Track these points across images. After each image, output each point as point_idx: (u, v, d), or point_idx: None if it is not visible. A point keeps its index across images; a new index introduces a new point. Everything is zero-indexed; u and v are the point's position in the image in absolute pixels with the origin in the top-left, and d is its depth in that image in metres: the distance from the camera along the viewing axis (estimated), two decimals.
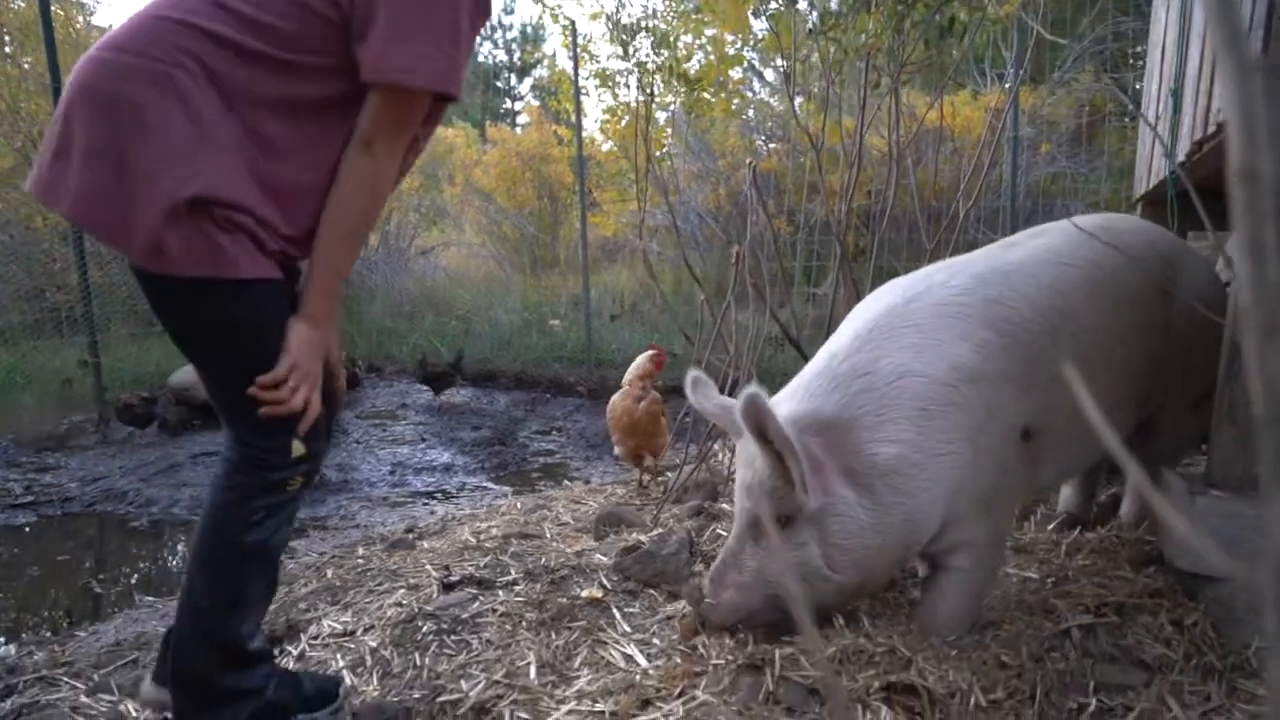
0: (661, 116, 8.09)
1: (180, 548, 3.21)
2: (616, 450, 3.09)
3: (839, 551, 1.58)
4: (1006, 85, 4.64)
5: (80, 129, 1.24)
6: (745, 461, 1.66)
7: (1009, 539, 2.07)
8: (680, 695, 1.52)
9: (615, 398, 3.05)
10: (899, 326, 1.65)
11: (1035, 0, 2.23)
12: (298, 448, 1.40)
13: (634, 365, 3.11)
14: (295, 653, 1.80)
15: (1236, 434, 1.68)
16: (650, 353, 3.14)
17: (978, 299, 1.66)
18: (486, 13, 1.43)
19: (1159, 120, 2.72)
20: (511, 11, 28.45)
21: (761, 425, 1.51)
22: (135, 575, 2.96)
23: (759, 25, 9.55)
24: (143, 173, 1.22)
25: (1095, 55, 6.51)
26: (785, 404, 1.67)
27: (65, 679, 1.85)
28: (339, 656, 1.77)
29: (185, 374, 5.05)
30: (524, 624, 1.83)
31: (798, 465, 1.52)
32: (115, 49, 1.25)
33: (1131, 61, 6.85)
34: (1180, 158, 2.39)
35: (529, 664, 1.67)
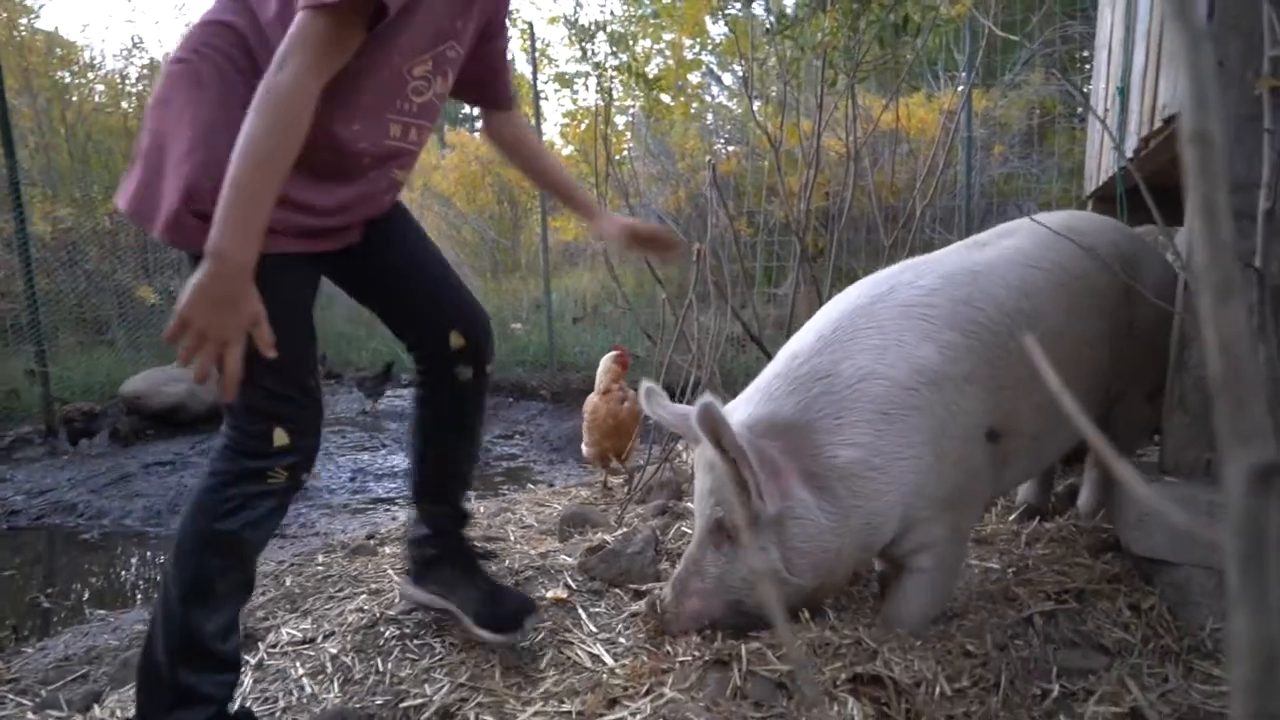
0: (621, 121, 8.09)
1: (133, 561, 3.13)
2: (587, 451, 3.07)
3: (798, 555, 1.57)
4: (959, 88, 4.72)
5: (141, 135, 1.38)
6: (704, 467, 1.64)
7: (972, 535, 2.09)
8: (648, 693, 1.51)
9: (594, 399, 3.03)
10: (862, 327, 1.65)
11: (986, 1, 2.27)
12: (280, 436, 1.36)
13: (602, 369, 3.10)
14: (253, 662, 1.76)
15: (1188, 421, 1.71)
16: (613, 354, 3.13)
17: (944, 299, 1.66)
18: None
19: (1107, 113, 2.78)
20: None
21: (716, 434, 1.50)
22: (86, 589, 2.87)
23: (716, 29, 9.61)
24: (171, 160, 1.31)
25: (1044, 58, 6.65)
26: (744, 407, 1.66)
27: (11, 695, 1.79)
28: (298, 665, 1.73)
29: (136, 382, 4.93)
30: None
31: (753, 474, 1.51)
32: (169, 60, 1.40)
33: (1079, 65, 7.00)
34: (1129, 153, 2.44)
35: (494, 666, 1.64)
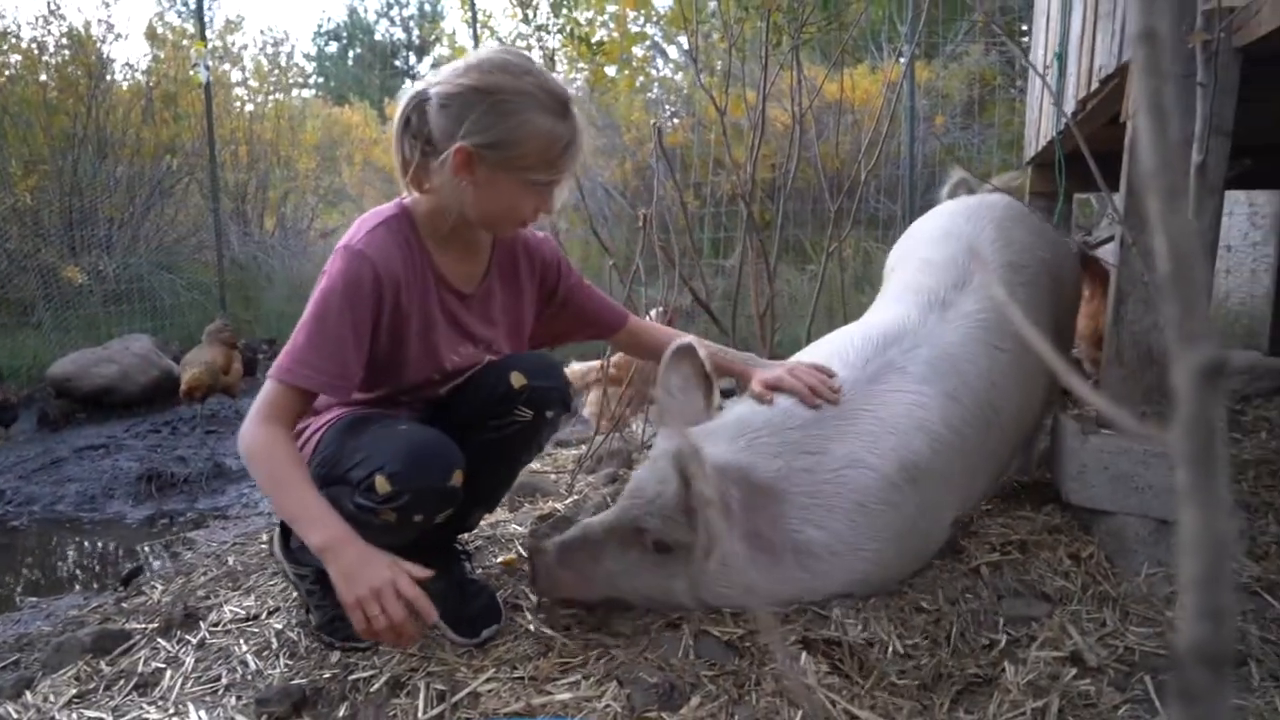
0: None
1: (67, 547, 3.02)
2: (590, 408, 3.03)
3: (708, 594, 1.57)
4: (901, 59, 4.75)
5: None
6: (659, 475, 1.57)
7: None
8: (600, 656, 1.51)
9: (618, 358, 2.98)
10: (858, 409, 1.62)
11: None
12: (382, 484, 1.46)
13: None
14: (195, 641, 1.71)
15: (1125, 374, 1.76)
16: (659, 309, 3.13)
17: (936, 392, 1.64)
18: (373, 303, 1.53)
19: (1049, 69, 2.82)
20: None
21: (689, 479, 1.45)
22: (17, 578, 2.77)
23: (661, 1, 9.52)
24: None
25: (985, 29, 6.73)
26: (725, 445, 1.60)
27: None
28: (242, 642, 1.69)
29: (65, 365, 4.75)
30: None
31: (705, 534, 1.46)
32: None
33: (1018, 37, 7.10)
34: (1068, 117, 2.48)
35: (444, 636, 1.62)
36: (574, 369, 3.33)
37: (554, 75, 1.53)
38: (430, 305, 1.61)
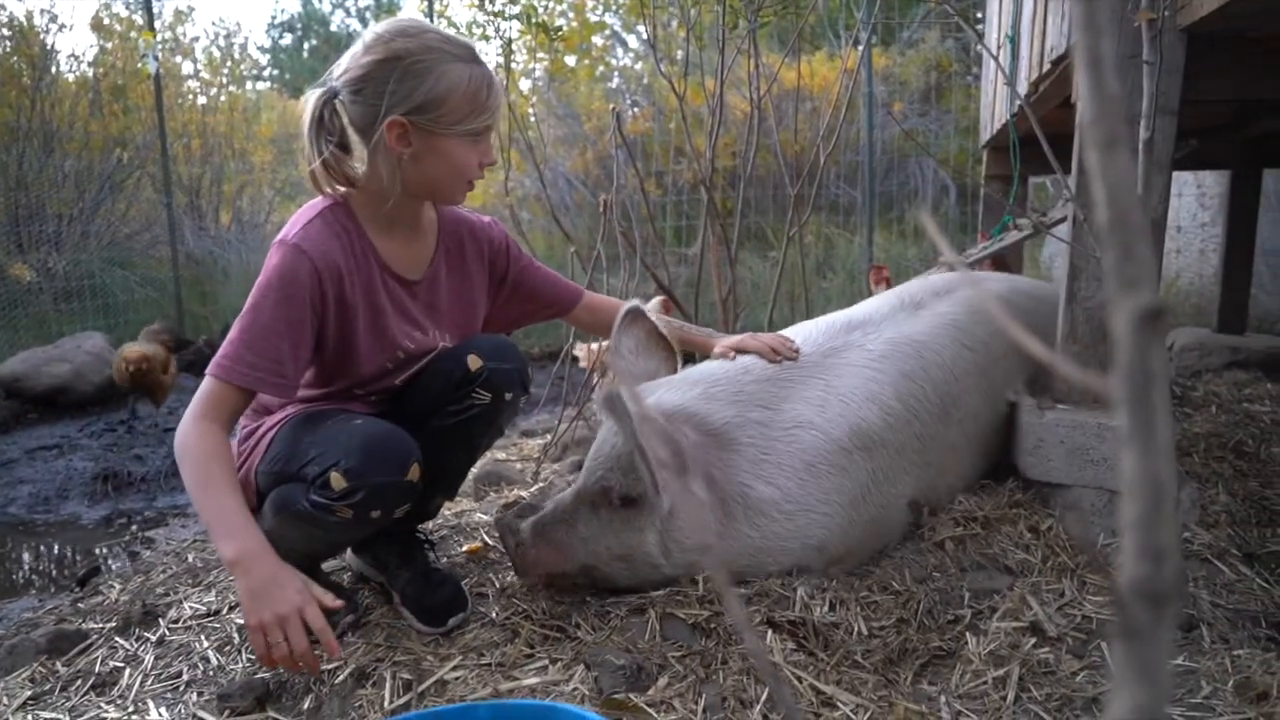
0: (526, 84, 7.94)
1: (21, 550, 2.94)
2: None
3: (678, 548, 1.57)
4: (859, 47, 4.78)
5: None
6: (610, 430, 1.61)
7: None
8: (567, 641, 1.51)
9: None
10: (811, 376, 1.65)
11: None
12: (337, 480, 1.44)
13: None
14: (154, 639, 1.68)
15: (1078, 350, 1.79)
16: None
17: (892, 367, 1.68)
18: (311, 300, 1.50)
19: (1001, 51, 2.85)
20: None
21: (619, 422, 1.47)
22: None
23: None
24: None
25: (940, 16, 6.80)
26: (680, 391, 1.63)
27: None
28: (203, 638, 1.66)
29: (15, 364, 4.63)
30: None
31: (648, 468, 1.48)
32: None
33: (973, 24, 7.18)
34: (1020, 97, 2.51)
35: (410, 625, 1.61)
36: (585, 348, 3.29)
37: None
38: (376, 293, 1.59)
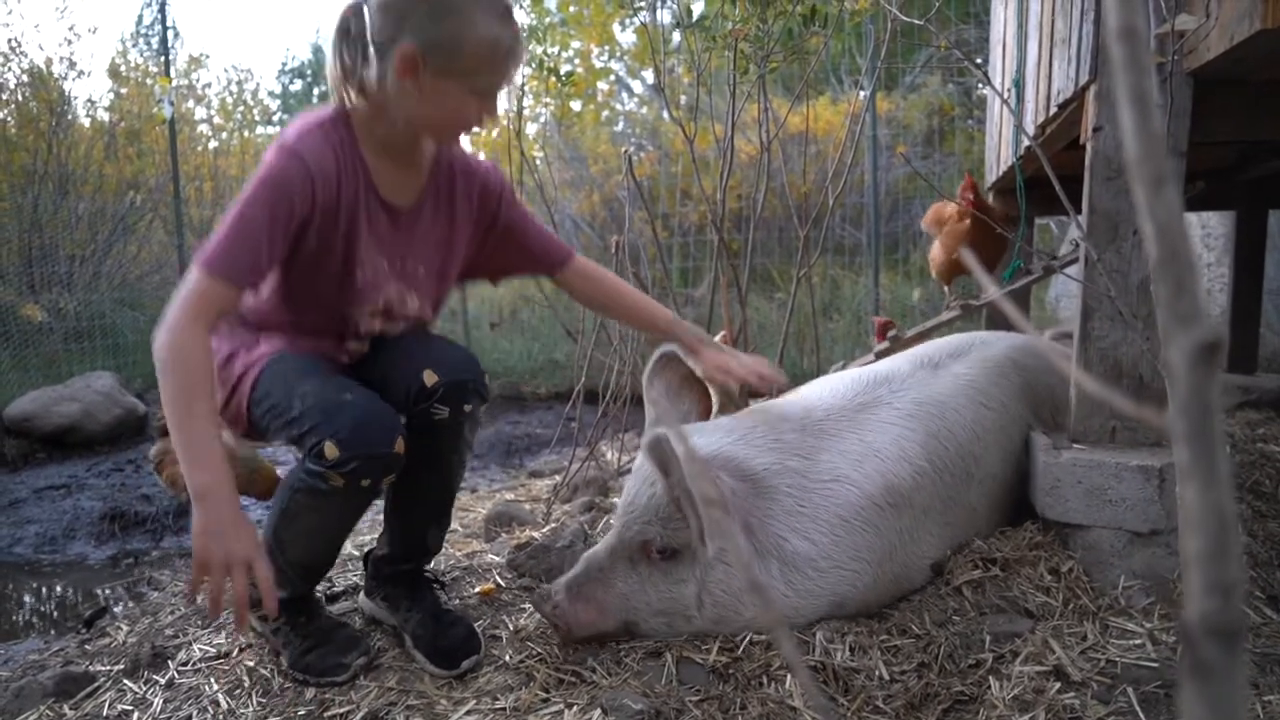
0: (532, 129, 8.05)
1: (24, 592, 2.92)
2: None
3: (712, 601, 1.55)
4: (862, 92, 4.86)
5: None
6: (645, 479, 1.58)
7: None
8: (583, 685, 1.49)
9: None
10: (846, 430, 1.66)
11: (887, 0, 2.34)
12: (330, 449, 1.46)
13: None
14: (163, 681, 1.66)
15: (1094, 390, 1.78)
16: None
17: (920, 427, 1.68)
18: (299, 205, 1.49)
19: (1009, 93, 2.88)
20: None
21: (665, 468, 1.45)
22: None
23: (625, 37, 9.66)
24: None
25: (942, 61, 6.90)
26: (717, 436, 1.62)
27: None
28: (213, 681, 1.64)
29: (24, 404, 4.64)
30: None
31: (697, 518, 1.46)
32: None
33: (978, 67, 7.30)
34: (1026, 143, 2.54)
35: (422, 669, 1.59)
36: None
37: None
38: (358, 212, 1.57)
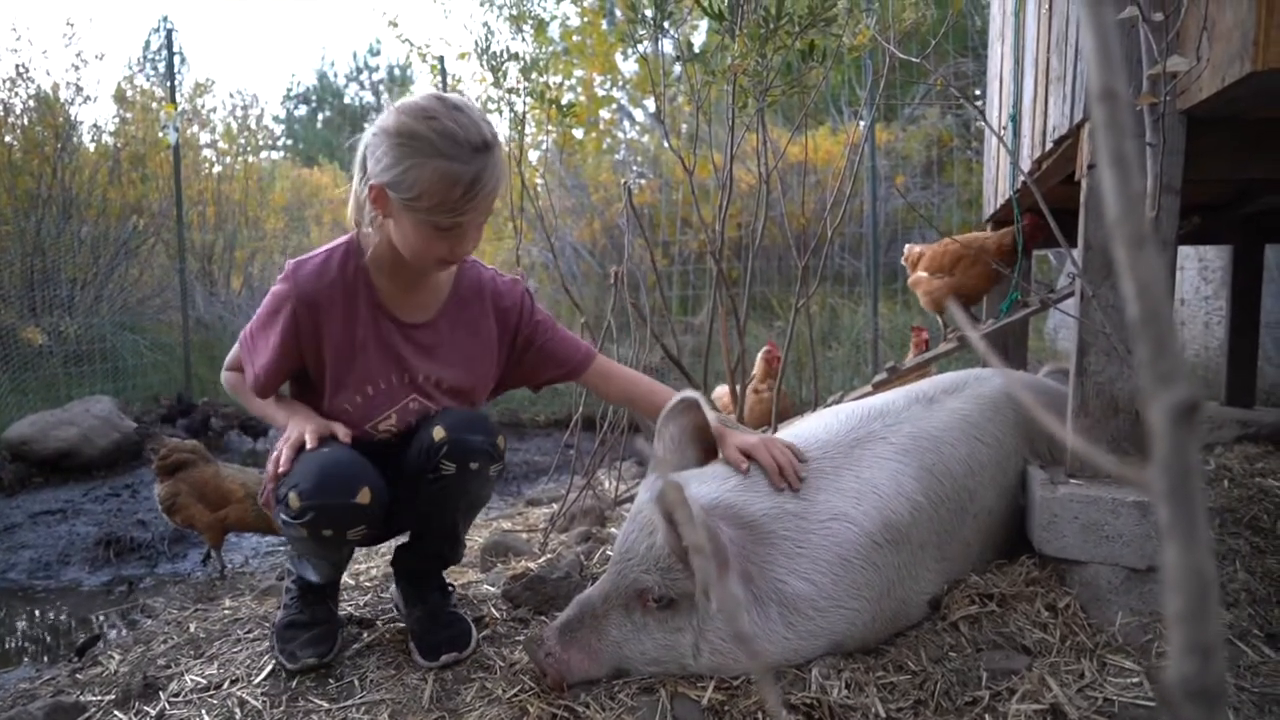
0: (534, 156, 8.11)
1: (19, 622, 2.90)
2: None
3: (710, 650, 1.54)
4: (861, 123, 4.91)
5: None
6: (643, 527, 1.56)
7: None
8: (577, 719, 1.47)
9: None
10: (842, 466, 1.66)
11: (885, 33, 2.36)
12: (294, 500, 1.61)
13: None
14: (154, 712, 1.64)
15: (1090, 424, 1.79)
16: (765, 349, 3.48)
17: (915, 462, 1.69)
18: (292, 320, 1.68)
19: (1004, 131, 2.91)
20: (378, 53, 28.09)
21: (673, 520, 1.44)
22: None
23: (627, 66, 9.76)
24: None
25: (940, 94, 6.97)
26: (714, 484, 1.61)
27: None
28: (204, 713, 1.63)
29: (22, 427, 4.63)
30: (409, 660, 1.74)
31: (703, 571, 1.44)
32: None
33: (974, 101, 7.37)
34: (1022, 178, 2.56)
35: (416, 701, 1.58)
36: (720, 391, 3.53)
37: (475, 119, 1.54)
38: (356, 329, 1.69)
